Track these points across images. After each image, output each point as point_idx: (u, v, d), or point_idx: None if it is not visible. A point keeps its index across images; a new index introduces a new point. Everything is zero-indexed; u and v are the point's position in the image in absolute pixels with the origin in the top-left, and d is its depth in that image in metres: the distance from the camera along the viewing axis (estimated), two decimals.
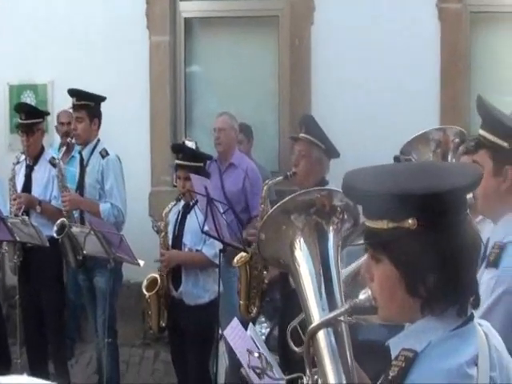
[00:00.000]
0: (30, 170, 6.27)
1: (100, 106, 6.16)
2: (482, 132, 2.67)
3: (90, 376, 6.82)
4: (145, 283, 5.50)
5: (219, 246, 5.28)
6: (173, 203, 5.51)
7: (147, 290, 5.46)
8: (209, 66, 8.10)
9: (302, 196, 2.25)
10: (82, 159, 6.15)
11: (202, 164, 5.54)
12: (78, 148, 6.34)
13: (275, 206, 2.24)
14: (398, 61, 7.25)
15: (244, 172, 6.47)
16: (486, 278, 2.45)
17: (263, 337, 5.83)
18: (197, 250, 5.43)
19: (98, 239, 5.46)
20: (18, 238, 5.93)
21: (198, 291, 5.42)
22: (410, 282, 1.78)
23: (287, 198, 2.23)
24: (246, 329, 3.08)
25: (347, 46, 7.33)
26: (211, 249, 5.37)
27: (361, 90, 7.27)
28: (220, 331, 5.07)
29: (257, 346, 2.83)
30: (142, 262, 5.41)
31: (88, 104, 6.07)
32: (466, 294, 1.81)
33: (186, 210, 5.51)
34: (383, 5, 7.34)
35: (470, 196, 1.98)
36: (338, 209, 2.24)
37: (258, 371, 2.43)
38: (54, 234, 5.83)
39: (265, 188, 5.42)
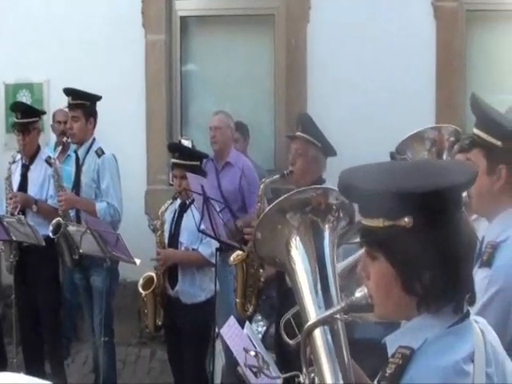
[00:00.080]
0: (26, 169, 6.26)
1: (95, 105, 6.16)
2: (475, 131, 2.67)
3: (86, 375, 6.81)
4: (141, 282, 5.50)
5: (216, 244, 5.28)
6: (169, 202, 5.51)
7: (143, 289, 5.46)
8: (205, 65, 8.10)
9: (297, 195, 2.26)
10: (77, 158, 6.14)
11: (198, 163, 5.54)
12: (73, 147, 6.33)
13: (271, 205, 2.25)
14: (393, 59, 7.25)
15: (240, 170, 6.47)
16: (479, 278, 2.45)
17: (260, 335, 5.84)
18: (193, 249, 5.43)
19: (94, 238, 5.46)
20: (14, 238, 5.94)
21: (194, 290, 5.43)
22: (406, 280, 1.78)
23: (282, 197, 2.23)
24: (242, 327, 3.08)
25: (343, 44, 7.32)
26: (207, 248, 5.37)
27: (357, 88, 7.27)
28: (216, 330, 5.08)
29: (253, 344, 2.83)
30: (138, 261, 5.41)
31: (84, 103, 6.07)
32: (462, 291, 1.82)
33: (183, 208, 5.51)
34: (379, 3, 7.34)
35: (464, 194, 1.98)
36: (334, 207, 2.24)
37: (254, 370, 2.44)
38: (50, 234, 5.83)
39: (261, 186, 5.42)
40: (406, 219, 1.74)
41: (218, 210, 5.21)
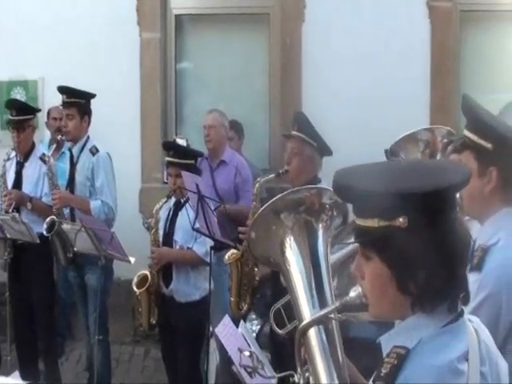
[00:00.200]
0: (20, 166, 6.25)
1: (90, 103, 6.15)
2: (466, 133, 2.66)
3: (79, 373, 6.80)
4: (135, 280, 5.49)
5: (210, 243, 5.28)
6: (164, 200, 5.52)
7: (137, 287, 5.46)
8: (200, 64, 8.10)
9: (291, 195, 2.27)
10: (71, 156, 6.13)
11: (193, 161, 5.54)
12: (67, 144, 6.32)
13: (265, 205, 2.25)
14: (388, 59, 7.26)
15: (235, 169, 6.47)
16: (470, 282, 2.45)
17: (254, 334, 5.84)
18: (188, 248, 5.43)
19: (88, 236, 5.45)
20: (8, 235, 5.93)
21: (188, 289, 5.43)
22: (400, 280, 1.79)
23: (277, 197, 2.24)
24: (237, 326, 3.09)
25: (338, 43, 7.33)
26: (202, 246, 5.37)
27: (351, 88, 7.28)
28: (211, 328, 5.08)
29: (248, 343, 2.84)
30: (132, 259, 5.41)
31: (78, 101, 6.06)
32: (457, 290, 1.83)
33: (178, 207, 5.51)
34: (374, 3, 7.35)
35: (457, 196, 1.98)
36: (327, 206, 2.25)
37: (249, 370, 2.44)
38: (44, 232, 5.83)
39: (256, 185, 5.43)
40: (401, 219, 1.75)
41: (213, 208, 5.21)
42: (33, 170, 6.24)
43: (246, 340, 2.88)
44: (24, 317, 6.22)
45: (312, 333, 2.12)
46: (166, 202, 5.52)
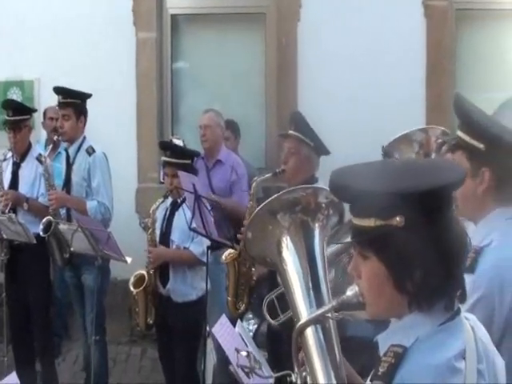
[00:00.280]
0: (17, 167, 6.24)
1: (86, 103, 6.15)
2: (459, 133, 2.65)
3: (76, 374, 6.80)
4: (132, 280, 5.49)
5: (207, 243, 5.28)
6: (160, 200, 5.51)
7: (134, 287, 5.46)
8: (196, 63, 8.10)
9: (287, 195, 2.27)
10: (68, 157, 6.12)
11: (189, 161, 5.54)
12: (64, 144, 6.31)
13: (261, 206, 2.26)
14: (384, 58, 7.27)
15: (231, 168, 6.48)
16: None
17: (251, 333, 5.84)
18: (184, 248, 5.43)
19: (85, 236, 5.44)
20: (4, 236, 5.93)
21: (185, 288, 5.43)
22: (397, 279, 1.80)
23: (273, 197, 2.24)
24: (234, 326, 3.09)
25: (333, 43, 7.33)
26: (199, 246, 5.37)
27: (348, 87, 7.28)
28: (208, 328, 5.08)
29: (245, 343, 2.84)
30: (129, 259, 5.40)
31: (74, 101, 6.05)
32: (454, 289, 1.83)
33: (174, 207, 5.51)
34: (370, 2, 7.35)
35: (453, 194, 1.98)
36: (323, 205, 2.26)
37: (246, 370, 2.44)
38: (41, 233, 5.82)
39: (253, 185, 5.43)
40: (398, 219, 1.75)
41: (210, 208, 5.21)
42: (29, 171, 6.23)
43: (243, 340, 2.88)
44: (20, 317, 6.21)
45: (309, 332, 2.12)
46: (162, 201, 5.52)
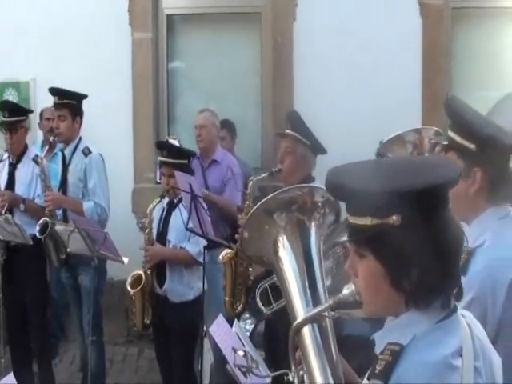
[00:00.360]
0: (13, 168, 6.23)
1: (81, 104, 6.14)
2: (450, 133, 2.66)
3: (73, 374, 6.80)
4: (129, 280, 5.49)
5: (204, 243, 5.28)
6: (157, 200, 5.51)
7: (131, 287, 5.46)
8: (191, 63, 8.10)
9: (283, 194, 2.27)
10: (64, 158, 6.12)
11: (186, 161, 5.53)
12: (60, 145, 6.31)
13: (257, 205, 2.26)
14: (380, 57, 7.27)
15: (226, 168, 6.48)
16: None
17: (248, 333, 5.84)
18: (181, 248, 5.43)
19: (82, 237, 5.44)
20: (1, 237, 5.92)
21: (182, 288, 5.42)
22: (394, 277, 1.80)
23: (269, 197, 2.24)
24: (231, 325, 3.09)
25: (329, 42, 7.34)
26: (195, 246, 5.37)
27: (343, 86, 7.29)
28: (205, 328, 5.08)
29: (242, 342, 2.84)
30: (125, 260, 5.40)
31: (70, 102, 6.05)
32: (450, 287, 1.84)
33: (171, 207, 5.51)
34: (365, 1, 7.36)
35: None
36: (320, 204, 2.26)
37: (243, 369, 2.45)
38: (37, 234, 5.81)
39: (250, 184, 5.43)
40: (394, 217, 1.75)
41: (206, 207, 5.21)
42: (25, 172, 6.22)
43: (240, 339, 2.88)
44: (17, 318, 6.21)
45: (306, 331, 2.12)
46: (159, 201, 5.52)
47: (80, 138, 6.10)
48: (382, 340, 1.85)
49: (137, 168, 7.74)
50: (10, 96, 7.83)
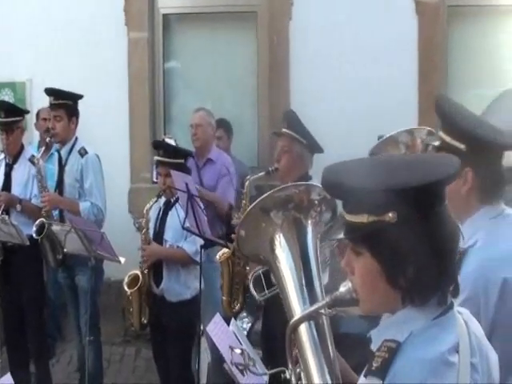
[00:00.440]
0: (9, 168, 6.22)
1: (77, 104, 6.14)
2: (440, 134, 2.66)
3: (70, 374, 6.80)
4: (126, 280, 5.49)
5: (200, 242, 5.28)
6: (154, 200, 5.51)
7: (129, 287, 5.45)
8: (187, 63, 8.10)
9: (279, 192, 2.27)
10: (60, 158, 6.11)
11: (182, 160, 5.53)
12: (56, 145, 6.30)
13: (254, 203, 2.26)
14: (376, 55, 7.27)
15: (221, 167, 6.47)
16: None
17: (245, 332, 5.84)
18: (178, 247, 5.43)
19: (78, 237, 5.43)
20: None
21: (179, 288, 5.42)
22: (391, 274, 1.80)
23: (265, 195, 2.24)
24: (228, 324, 3.08)
25: (325, 41, 7.34)
26: (192, 246, 5.37)
27: (339, 84, 7.28)
28: (202, 327, 5.08)
29: (239, 341, 2.84)
30: (122, 259, 5.40)
31: (66, 103, 6.04)
32: (446, 283, 1.84)
33: (168, 206, 5.51)
34: (361, 0, 7.36)
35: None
36: (316, 202, 2.26)
37: (240, 368, 2.44)
38: (34, 235, 5.80)
39: (246, 184, 5.44)
40: (391, 214, 1.75)
41: (203, 207, 5.21)
42: (22, 172, 6.21)
43: (237, 338, 2.87)
44: (14, 319, 6.20)
45: (303, 328, 2.12)
46: (156, 201, 5.52)
47: (76, 139, 6.10)
48: (378, 337, 1.84)
49: (133, 168, 7.74)
50: (6, 96, 7.83)
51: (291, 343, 2.14)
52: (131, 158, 7.73)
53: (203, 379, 5.47)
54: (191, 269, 5.45)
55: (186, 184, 5.10)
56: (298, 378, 2.16)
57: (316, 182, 2.53)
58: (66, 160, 6.06)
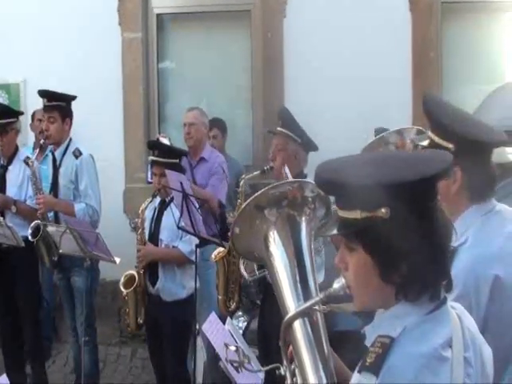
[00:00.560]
0: (4, 170, 6.21)
1: (71, 105, 6.12)
2: (429, 134, 2.67)
3: (67, 375, 6.80)
4: (122, 280, 5.49)
5: (196, 242, 5.28)
6: (149, 200, 5.51)
7: (124, 287, 5.45)
8: (182, 62, 8.10)
9: (273, 189, 2.27)
10: (54, 160, 6.10)
11: (177, 160, 5.53)
12: (50, 147, 6.29)
13: (248, 200, 2.26)
14: (370, 52, 7.27)
15: (214, 166, 6.47)
16: None
17: (241, 330, 5.83)
18: (173, 247, 5.43)
19: (73, 238, 5.43)
20: None
21: (175, 287, 5.42)
22: (384, 270, 1.80)
23: (259, 192, 2.25)
24: (224, 323, 3.08)
25: (319, 38, 7.34)
26: (187, 245, 5.37)
27: (334, 82, 7.28)
28: (197, 326, 5.08)
29: (235, 339, 2.83)
30: (117, 260, 5.39)
31: (59, 104, 6.03)
32: (439, 278, 1.84)
33: (163, 206, 5.50)
34: None
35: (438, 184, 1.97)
36: (310, 199, 2.26)
37: (235, 365, 2.44)
38: (29, 237, 5.79)
39: (241, 183, 5.43)
40: (383, 210, 1.75)
41: (198, 206, 5.20)
42: (17, 173, 6.20)
43: (232, 336, 2.87)
44: (10, 321, 6.20)
45: (297, 325, 2.12)
46: (151, 201, 5.52)
47: (70, 140, 6.09)
48: (372, 333, 1.85)
49: (128, 168, 7.73)
50: (0, 98, 7.82)
51: (286, 339, 2.14)
52: (126, 159, 7.72)
53: (199, 378, 5.47)
54: (187, 268, 5.44)
55: (181, 183, 5.09)
56: (293, 375, 2.16)
57: (311, 180, 2.53)
58: (61, 161, 6.05)
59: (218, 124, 7.17)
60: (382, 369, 1.72)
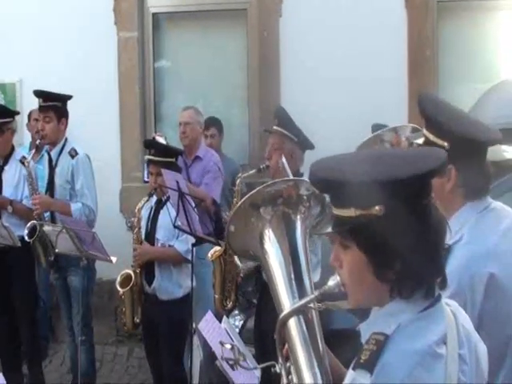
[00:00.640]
0: (0, 170, 6.21)
1: (67, 105, 6.12)
2: (424, 131, 2.68)
3: (63, 375, 6.80)
4: (119, 279, 5.48)
5: (192, 241, 5.28)
6: (145, 199, 5.51)
7: (121, 287, 5.45)
8: (178, 61, 8.09)
9: (268, 188, 2.27)
10: (50, 160, 6.10)
11: (173, 159, 5.53)
12: (46, 147, 6.28)
13: (243, 199, 2.26)
14: (366, 51, 7.26)
15: (209, 165, 6.47)
16: None
17: (237, 329, 5.83)
18: (170, 246, 5.43)
19: (70, 237, 5.43)
20: None
21: (171, 286, 5.42)
22: (378, 267, 1.80)
23: (254, 191, 2.25)
24: (220, 322, 3.08)
25: (315, 37, 7.34)
26: (184, 244, 5.37)
27: (330, 81, 7.28)
28: (194, 325, 5.08)
29: (231, 338, 2.83)
30: (114, 259, 5.39)
31: (55, 104, 6.03)
32: (434, 276, 1.84)
33: (159, 205, 5.51)
34: None
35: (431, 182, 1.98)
36: (305, 197, 2.26)
37: (231, 362, 2.44)
38: (26, 237, 5.79)
39: (237, 182, 5.44)
40: (377, 208, 1.75)
41: (194, 205, 5.20)
42: (13, 173, 6.19)
43: (229, 335, 2.87)
44: (6, 320, 6.19)
45: (292, 323, 2.13)
46: (147, 200, 5.52)
47: (66, 140, 6.09)
48: (367, 330, 1.85)
49: (124, 167, 7.73)
50: None
51: (281, 337, 2.15)
52: (122, 158, 7.72)
53: (196, 377, 5.46)
54: (183, 267, 5.45)
55: (177, 182, 5.10)
56: (288, 373, 2.16)
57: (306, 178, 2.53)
58: (57, 161, 6.05)
59: (215, 123, 7.17)
60: (377, 366, 1.72)
